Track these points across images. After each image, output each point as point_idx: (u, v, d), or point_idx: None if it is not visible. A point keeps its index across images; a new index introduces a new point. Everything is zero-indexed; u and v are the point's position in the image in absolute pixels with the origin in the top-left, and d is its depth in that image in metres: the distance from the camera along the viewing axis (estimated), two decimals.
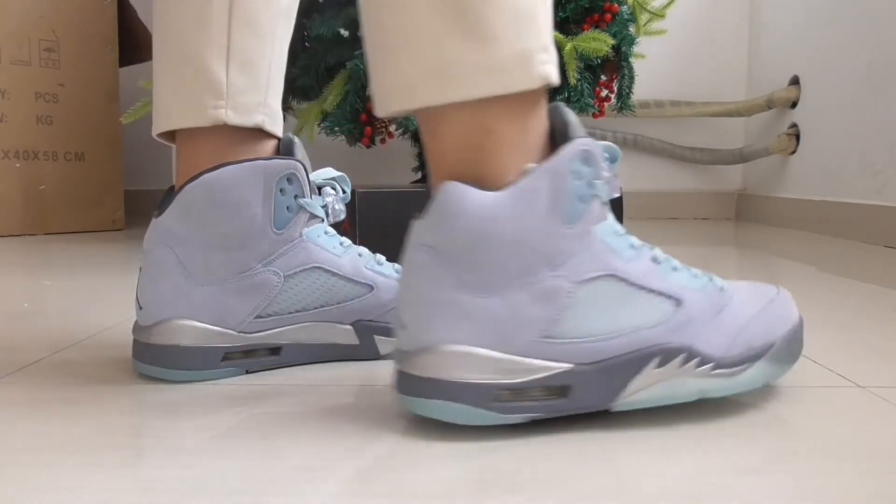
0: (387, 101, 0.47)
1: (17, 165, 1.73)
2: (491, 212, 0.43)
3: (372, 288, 0.60)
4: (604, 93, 1.52)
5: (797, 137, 2.04)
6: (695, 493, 0.38)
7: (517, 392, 0.44)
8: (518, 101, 0.45)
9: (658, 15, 1.55)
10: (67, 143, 1.81)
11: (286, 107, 1.43)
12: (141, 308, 0.56)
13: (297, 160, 0.57)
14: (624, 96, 1.54)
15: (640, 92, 2.20)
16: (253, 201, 0.55)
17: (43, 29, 1.75)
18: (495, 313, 0.44)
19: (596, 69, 1.47)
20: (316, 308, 0.59)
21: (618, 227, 0.47)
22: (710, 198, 2.41)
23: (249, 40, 0.57)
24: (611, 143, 0.48)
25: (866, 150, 1.71)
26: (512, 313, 0.44)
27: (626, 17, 1.49)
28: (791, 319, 0.52)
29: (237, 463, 0.41)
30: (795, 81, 2.06)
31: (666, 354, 0.46)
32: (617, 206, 1.18)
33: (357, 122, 1.29)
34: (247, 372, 0.58)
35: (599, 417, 0.47)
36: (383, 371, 0.59)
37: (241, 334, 0.57)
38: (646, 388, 0.46)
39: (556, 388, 0.45)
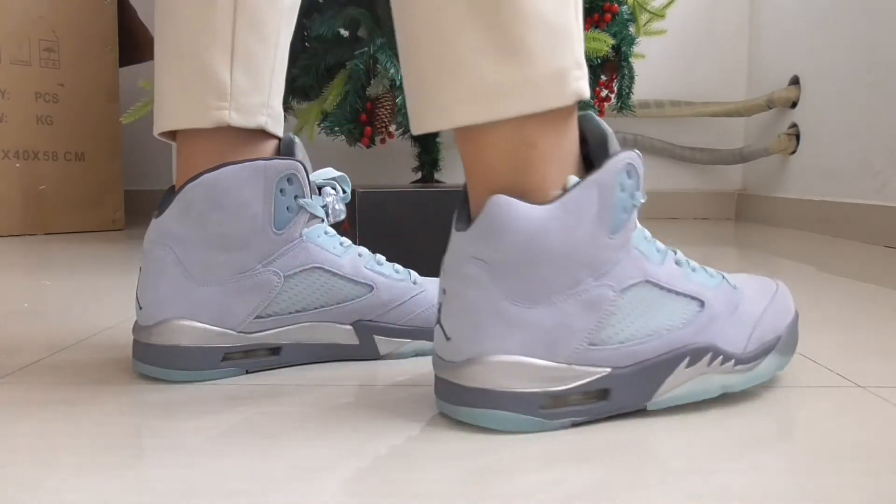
0: (423, 120, 0.47)
1: (17, 165, 1.73)
2: (542, 224, 0.44)
3: (372, 288, 0.60)
4: (604, 93, 1.52)
5: (797, 137, 2.04)
6: (694, 493, 0.38)
7: (559, 398, 0.46)
8: (553, 115, 0.46)
9: (658, 15, 1.55)
10: (67, 143, 1.81)
11: (286, 107, 1.43)
12: (141, 308, 0.56)
13: (298, 160, 0.57)
14: (624, 96, 1.54)
15: (640, 92, 2.20)
16: (253, 201, 0.55)
17: (43, 29, 1.75)
18: (543, 323, 0.45)
19: (596, 69, 1.47)
20: (316, 308, 0.59)
21: (646, 232, 0.49)
22: (710, 198, 2.41)
23: (254, 41, 0.56)
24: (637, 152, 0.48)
25: (866, 150, 1.71)
26: (559, 323, 0.45)
27: (626, 17, 1.49)
28: (790, 312, 0.55)
29: (237, 463, 0.41)
30: (795, 81, 2.06)
31: (694, 354, 0.48)
32: None
33: (357, 122, 1.29)
34: (247, 372, 0.58)
35: (601, 423, 0.47)
36: (383, 371, 0.59)
37: (242, 334, 0.57)
38: (677, 387, 0.48)
39: (597, 391, 0.46)
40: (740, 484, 0.39)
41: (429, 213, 0.97)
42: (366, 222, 0.97)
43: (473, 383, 0.45)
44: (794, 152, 2.06)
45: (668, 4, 1.60)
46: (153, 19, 0.58)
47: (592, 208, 0.45)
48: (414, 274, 0.64)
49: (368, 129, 1.28)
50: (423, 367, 0.60)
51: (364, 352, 0.62)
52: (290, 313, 0.58)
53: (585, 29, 1.38)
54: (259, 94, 0.57)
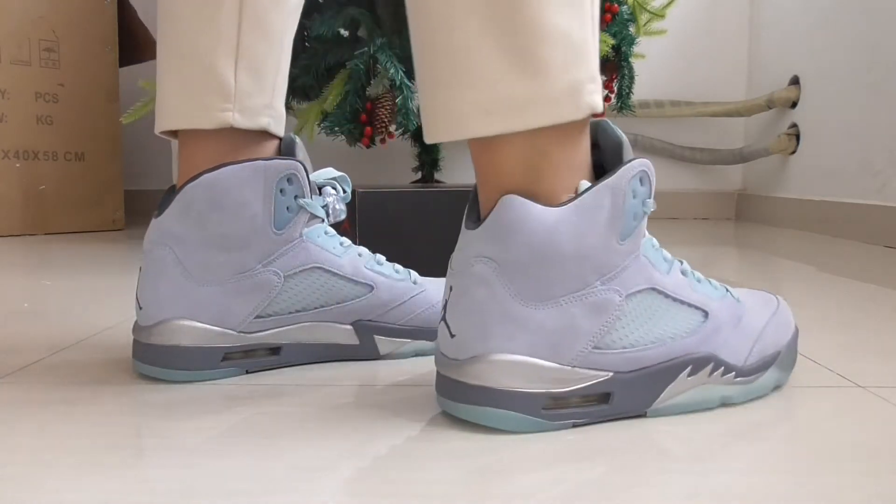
0: (436, 129, 0.47)
1: (17, 165, 1.73)
2: (553, 226, 0.44)
3: (372, 288, 0.60)
4: (604, 93, 1.52)
5: (797, 137, 2.04)
6: (694, 492, 0.38)
7: (560, 400, 0.46)
8: (567, 126, 0.46)
9: (658, 15, 1.55)
10: (67, 143, 1.81)
11: (286, 107, 1.43)
12: (141, 308, 0.56)
13: (298, 160, 0.57)
14: (624, 96, 1.54)
15: (640, 92, 2.20)
16: (253, 201, 0.55)
17: (43, 29, 1.75)
18: (549, 324, 0.45)
19: None
20: (316, 308, 0.59)
21: (654, 240, 0.49)
22: (710, 198, 2.41)
23: (259, 42, 0.56)
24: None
25: (866, 150, 1.71)
26: (565, 325, 0.45)
27: (626, 17, 1.49)
28: (791, 328, 0.56)
29: (237, 463, 0.41)
30: (795, 81, 2.06)
31: (696, 363, 0.48)
32: None
33: (357, 122, 1.29)
34: (247, 372, 0.58)
35: (601, 423, 0.47)
36: (383, 371, 0.59)
37: (242, 334, 0.57)
38: (678, 395, 0.48)
39: (598, 395, 0.47)
40: (740, 484, 0.39)
41: (429, 213, 0.97)
42: (366, 222, 0.96)
43: (476, 381, 0.45)
44: (794, 152, 2.06)
45: (668, 4, 1.60)
46: (153, 19, 0.58)
47: (604, 213, 0.45)
48: (414, 274, 0.64)
49: (368, 129, 1.28)
50: (423, 368, 0.60)
51: (364, 352, 0.62)
52: (290, 313, 0.58)
53: None
54: (262, 96, 0.57)
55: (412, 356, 0.63)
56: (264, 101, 0.57)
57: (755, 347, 0.52)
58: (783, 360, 0.54)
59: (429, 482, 0.39)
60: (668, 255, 0.50)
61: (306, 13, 1.37)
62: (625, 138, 0.48)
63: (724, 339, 0.50)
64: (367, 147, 1.33)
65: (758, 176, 2.30)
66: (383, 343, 0.62)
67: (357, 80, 1.24)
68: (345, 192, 0.61)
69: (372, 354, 0.62)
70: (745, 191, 2.39)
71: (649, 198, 0.47)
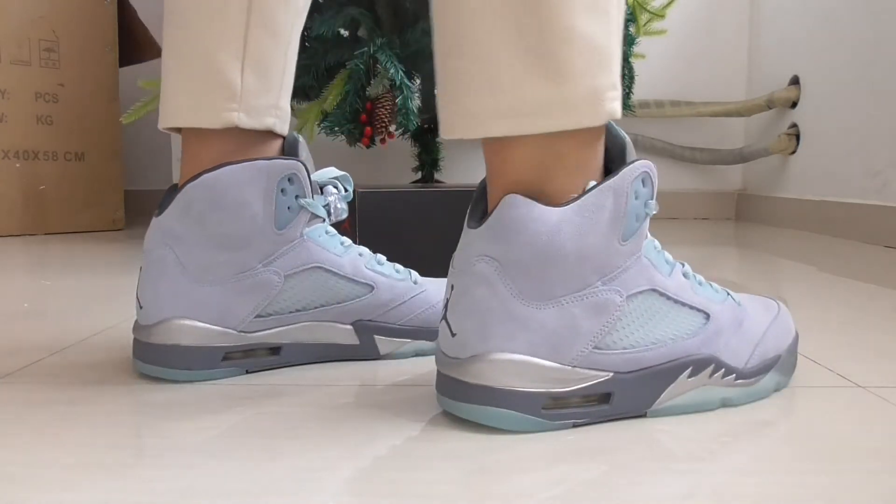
0: (453, 127, 0.47)
1: (17, 165, 1.73)
2: (555, 226, 0.44)
3: (372, 288, 0.60)
4: None
5: (797, 137, 2.04)
6: (694, 492, 0.38)
7: (561, 400, 0.46)
8: (585, 131, 0.46)
9: (658, 15, 1.55)
10: (67, 143, 1.80)
11: None
12: (141, 307, 0.56)
13: (299, 160, 0.57)
14: (624, 96, 1.54)
15: (640, 92, 2.20)
16: (254, 201, 0.55)
17: (43, 29, 1.75)
18: (550, 324, 0.45)
19: None
20: (316, 308, 0.59)
21: (657, 242, 0.49)
22: (710, 198, 2.41)
23: (267, 42, 0.56)
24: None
25: (866, 150, 1.71)
26: (566, 324, 0.45)
27: (626, 17, 1.49)
28: (791, 333, 0.56)
29: (237, 463, 0.41)
30: (795, 81, 2.06)
31: (697, 364, 0.48)
32: None
33: (357, 122, 1.29)
34: (247, 372, 0.58)
35: (601, 423, 0.47)
36: (383, 371, 0.59)
37: (242, 334, 0.57)
38: (678, 396, 0.48)
39: (599, 395, 0.47)
40: (740, 484, 0.39)
41: (429, 213, 0.97)
42: (366, 222, 0.97)
43: (477, 380, 0.45)
44: (794, 152, 2.06)
45: (668, 4, 1.60)
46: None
47: (606, 213, 0.45)
48: (414, 274, 0.64)
49: (368, 129, 1.28)
50: (423, 368, 0.60)
51: (364, 352, 0.62)
52: (291, 312, 0.58)
53: None
54: (269, 96, 0.57)
55: (412, 356, 0.63)
56: (270, 101, 0.57)
57: (756, 351, 0.52)
58: (783, 363, 0.54)
59: (429, 482, 0.39)
60: (670, 258, 0.50)
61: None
62: (628, 139, 0.48)
63: (726, 342, 0.50)
64: (367, 147, 1.33)
65: (758, 176, 2.30)
66: (383, 343, 0.62)
67: (357, 80, 1.24)
68: (346, 191, 0.61)
69: (372, 354, 0.62)
70: (745, 191, 2.39)
71: (651, 199, 0.47)
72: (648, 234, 0.48)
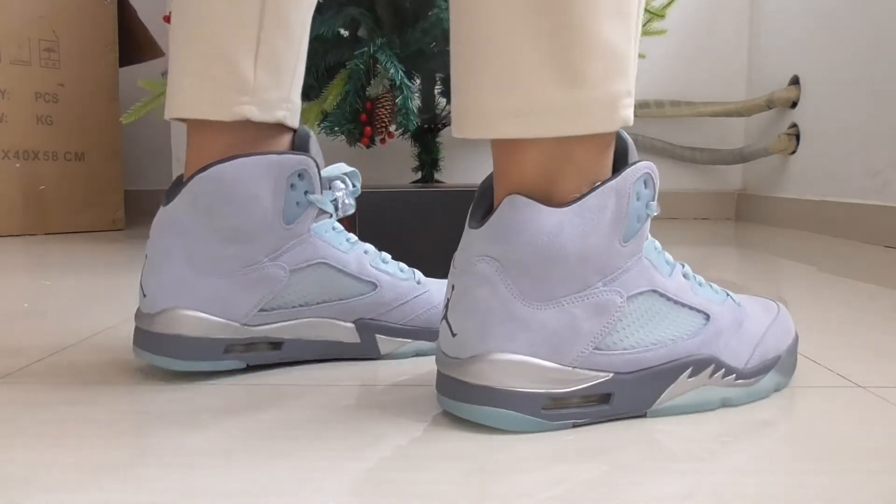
0: (465, 126, 0.47)
1: (17, 165, 1.73)
2: (557, 227, 0.44)
3: (376, 286, 0.60)
4: None
5: (797, 137, 2.04)
6: (694, 492, 0.38)
7: (561, 400, 0.46)
8: (597, 136, 0.46)
9: (658, 15, 1.55)
10: (67, 143, 1.81)
11: None
12: (145, 296, 0.56)
13: (310, 156, 0.57)
14: None
15: (640, 92, 2.20)
16: (263, 195, 0.55)
17: (43, 29, 1.75)
18: (550, 325, 0.45)
19: None
20: (318, 303, 0.59)
21: (657, 243, 0.49)
22: (710, 198, 2.41)
23: (279, 37, 0.56)
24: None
25: (866, 150, 1.71)
26: (566, 325, 0.45)
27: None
28: (791, 333, 0.56)
29: (237, 463, 0.41)
30: (795, 81, 2.06)
31: (697, 365, 0.48)
32: None
33: (357, 122, 1.29)
34: (248, 366, 0.58)
35: (601, 423, 0.47)
36: (383, 371, 0.59)
37: (245, 327, 0.57)
38: (678, 396, 0.48)
39: (599, 395, 0.47)
40: (740, 484, 0.39)
41: (429, 213, 0.97)
42: (366, 222, 0.97)
43: (477, 380, 0.45)
44: (794, 152, 2.06)
45: (668, 4, 1.60)
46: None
47: (608, 214, 0.45)
48: (418, 274, 0.64)
49: (368, 129, 1.28)
50: (423, 368, 0.60)
51: (365, 350, 0.62)
52: (294, 307, 0.58)
53: None
54: (280, 89, 0.57)
55: (412, 356, 0.63)
56: (281, 95, 0.57)
57: (756, 351, 0.52)
58: (783, 364, 0.54)
59: (429, 482, 0.39)
60: (671, 259, 0.50)
61: None
62: (630, 141, 0.48)
63: (726, 342, 0.50)
64: (367, 147, 1.33)
65: (758, 176, 2.30)
66: (384, 342, 0.62)
67: (357, 80, 1.24)
68: (354, 186, 0.61)
69: (372, 353, 0.62)
70: (745, 191, 2.39)
71: (653, 200, 0.47)
72: (649, 235, 0.48)
